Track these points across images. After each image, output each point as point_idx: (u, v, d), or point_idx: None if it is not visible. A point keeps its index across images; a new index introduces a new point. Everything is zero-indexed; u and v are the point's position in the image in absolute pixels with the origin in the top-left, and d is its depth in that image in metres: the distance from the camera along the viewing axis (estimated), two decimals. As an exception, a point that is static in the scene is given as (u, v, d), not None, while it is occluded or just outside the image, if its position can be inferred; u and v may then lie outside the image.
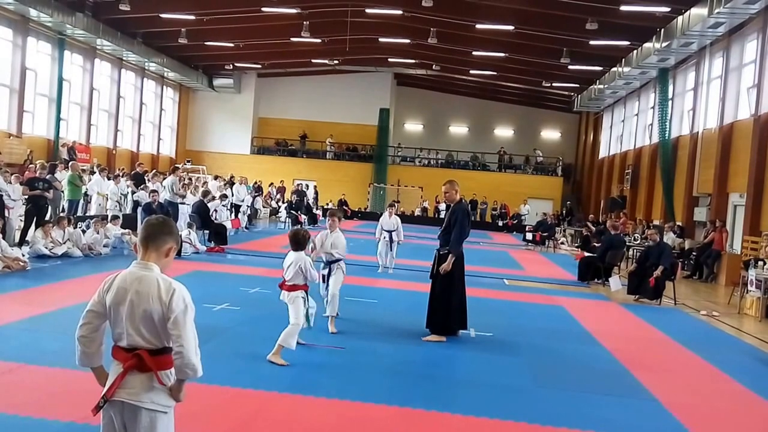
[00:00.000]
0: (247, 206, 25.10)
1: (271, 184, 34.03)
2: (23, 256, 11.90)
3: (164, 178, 19.92)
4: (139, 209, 17.38)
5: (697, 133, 23.56)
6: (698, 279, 18.21)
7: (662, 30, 22.00)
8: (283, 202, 30.80)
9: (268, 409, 5.50)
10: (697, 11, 19.12)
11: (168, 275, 3.11)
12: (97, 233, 14.32)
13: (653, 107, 27.63)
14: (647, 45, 23.74)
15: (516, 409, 5.82)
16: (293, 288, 7.03)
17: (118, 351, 3.02)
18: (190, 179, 24.97)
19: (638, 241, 20.99)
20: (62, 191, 16.55)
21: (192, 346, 2.95)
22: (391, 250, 14.53)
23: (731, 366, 8.09)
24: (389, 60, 36.22)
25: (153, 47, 31.34)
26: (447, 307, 8.28)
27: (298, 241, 7.17)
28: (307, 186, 32.11)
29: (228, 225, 19.40)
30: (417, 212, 37.22)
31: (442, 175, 39.32)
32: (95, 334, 3.09)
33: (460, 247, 8.33)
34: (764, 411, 6.60)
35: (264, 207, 31.07)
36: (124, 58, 31.16)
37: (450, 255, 8.20)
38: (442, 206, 37.66)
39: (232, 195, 24.01)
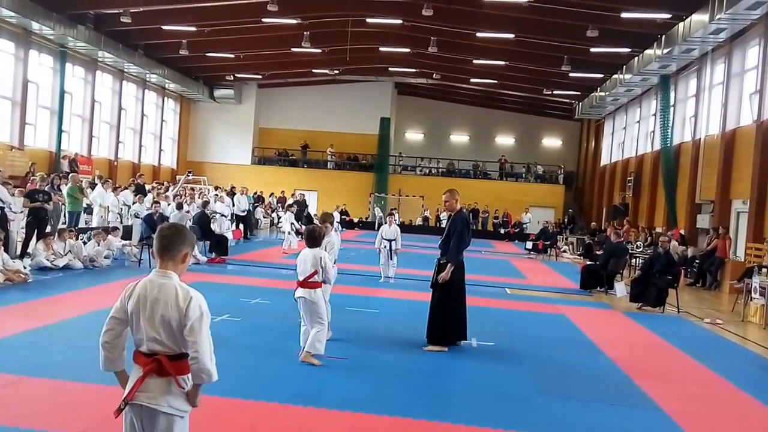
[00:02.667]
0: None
1: (272, 194, 34.02)
2: (24, 268, 11.89)
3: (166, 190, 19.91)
4: (137, 221, 17.29)
5: (700, 139, 23.53)
6: (701, 286, 18.13)
7: (663, 37, 22.01)
8: (284, 212, 30.77)
9: (268, 420, 5.47)
10: (698, 17, 19.12)
11: None
12: (99, 245, 14.31)
13: (655, 114, 27.61)
14: (648, 52, 23.75)
15: (519, 419, 5.78)
16: (313, 285, 7.04)
17: (138, 356, 3.14)
18: (192, 189, 24.96)
19: (641, 249, 20.93)
20: (62, 204, 16.45)
21: (207, 352, 3.09)
22: (391, 259, 14.49)
23: (736, 374, 8.03)
24: (390, 69, 36.29)
25: (154, 59, 31.42)
26: (445, 317, 8.23)
27: (314, 237, 7.21)
28: (302, 194, 31.99)
29: (229, 236, 19.36)
30: (418, 221, 37.15)
31: (444, 184, 39.26)
32: (118, 340, 3.23)
33: (459, 257, 8.27)
34: (770, 419, 6.55)
35: (265, 217, 31.07)
36: (125, 70, 31.21)
37: (448, 264, 8.17)
38: (444, 215, 37.66)
39: (233, 205, 24.00)
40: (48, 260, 12.87)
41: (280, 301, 10.75)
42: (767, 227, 17.90)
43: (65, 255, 13.26)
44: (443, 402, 6.16)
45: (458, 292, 8.33)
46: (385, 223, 15.12)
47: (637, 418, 6.12)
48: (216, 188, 27.42)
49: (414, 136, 44.66)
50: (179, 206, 17.70)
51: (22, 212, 14.44)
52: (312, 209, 32.97)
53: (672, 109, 25.68)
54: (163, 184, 21.21)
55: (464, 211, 8.72)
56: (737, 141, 20.63)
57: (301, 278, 7.10)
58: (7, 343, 7.21)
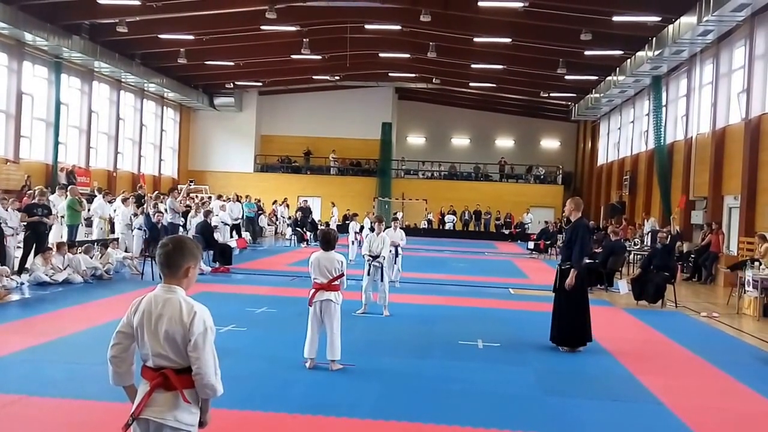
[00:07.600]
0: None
1: (275, 201, 34.02)
2: (22, 284, 11.58)
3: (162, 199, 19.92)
4: (137, 232, 17.20)
5: (691, 138, 23.93)
6: (697, 281, 18.40)
7: (654, 39, 22.30)
8: (288, 218, 30.88)
9: (278, 431, 5.48)
10: (687, 20, 19.41)
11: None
12: (98, 257, 14.20)
13: (648, 114, 27.93)
14: (640, 54, 24.05)
15: (525, 419, 5.91)
16: (337, 287, 7.14)
17: (145, 370, 3.15)
18: (192, 198, 24.97)
19: (638, 246, 21.17)
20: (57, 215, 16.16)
21: (210, 368, 3.08)
22: (395, 263, 14.58)
23: (733, 366, 8.21)
24: (390, 74, 36.31)
25: (152, 68, 31.15)
26: (583, 318, 8.61)
27: (329, 241, 7.26)
28: (305, 201, 32.10)
29: (233, 245, 19.41)
30: (423, 224, 37.24)
31: (446, 187, 39.76)
32: (125, 354, 3.21)
33: (583, 262, 8.63)
34: (767, 410, 6.72)
35: (269, 225, 31.12)
36: (122, 80, 30.88)
37: (572, 270, 8.44)
38: (448, 218, 37.71)
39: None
40: (47, 275, 12.58)
41: (286, 310, 10.80)
42: (758, 221, 18.19)
43: (64, 269, 13.00)
44: (451, 405, 6.21)
45: (584, 294, 8.73)
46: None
47: (640, 414, 6.27)
48: (219, 197, 27.25)
49: (416, 140, 44.87)
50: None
51: (18, 227, 14.01)
52: (316, 215, 33.13)
53: (664, 109, 26.05)
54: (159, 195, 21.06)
55: (585, 218, 9.02)
56: (727, 139, 21.00)
57: (325, 281, 7.12)
58: (7, 362, 7.05)
